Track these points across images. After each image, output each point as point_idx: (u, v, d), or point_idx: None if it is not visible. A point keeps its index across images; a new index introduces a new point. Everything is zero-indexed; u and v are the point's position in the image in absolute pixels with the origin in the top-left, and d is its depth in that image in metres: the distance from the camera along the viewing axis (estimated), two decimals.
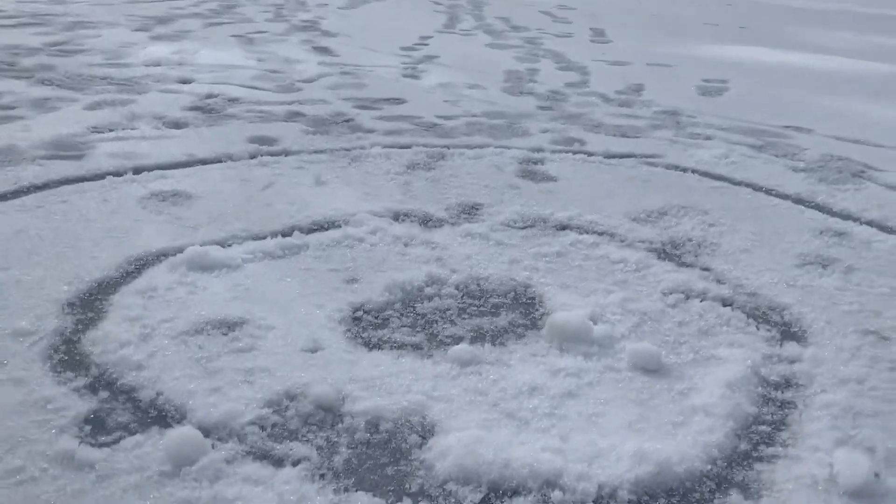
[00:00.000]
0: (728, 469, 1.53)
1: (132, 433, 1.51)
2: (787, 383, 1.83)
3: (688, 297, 2.20)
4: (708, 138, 3.85)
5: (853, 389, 1.79)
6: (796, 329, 2.08)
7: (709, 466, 1.52)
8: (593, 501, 1.43)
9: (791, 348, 1.96)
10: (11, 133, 3.28)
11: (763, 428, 1.65)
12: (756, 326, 2.08)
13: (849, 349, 1.96)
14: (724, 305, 2.17)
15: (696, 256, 2.50)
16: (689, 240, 2.63)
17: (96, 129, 3.41)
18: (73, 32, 5.60)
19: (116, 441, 1.48)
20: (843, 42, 7.63)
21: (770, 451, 1.58)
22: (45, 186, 2.76)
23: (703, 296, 2.21)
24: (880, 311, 2.17)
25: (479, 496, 1.43)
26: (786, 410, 1.72)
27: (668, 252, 2.53)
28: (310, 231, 2.52)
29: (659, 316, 2.11)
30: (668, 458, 1.49)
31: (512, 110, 4.21)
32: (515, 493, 1.44)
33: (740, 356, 1.91)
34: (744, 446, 1.60)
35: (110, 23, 6.08)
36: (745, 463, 1.55)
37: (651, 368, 1.84)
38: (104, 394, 1.63)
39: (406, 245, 2.47)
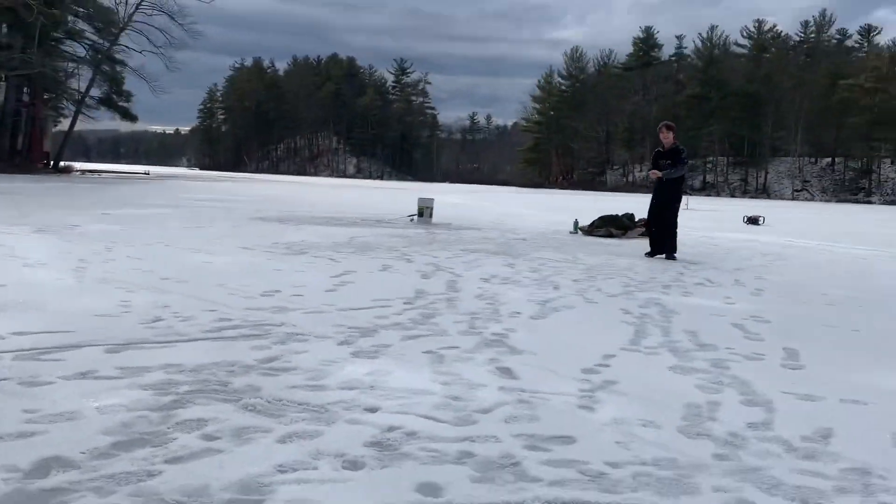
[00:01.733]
0: None
1: None
2: None
3: None
4: None
5: None
6: None
7: None
8: None
9: None
10: (208, 471, 3.65)
11: None
12: None
13: None
14: None
15: None
16: None
17: (281, 469, 3.72)
18: (285, 346, 6.26)
19: None
20: None
21: None
22: None
23: None
24: None
25: None
26: None
27: None
28: None
29: None
30: None
31: (684, 458, 4.14)
32: None
33: None
34: None
35: (319, 335, 6.75)
36: None
37: None
38: None
39: None
